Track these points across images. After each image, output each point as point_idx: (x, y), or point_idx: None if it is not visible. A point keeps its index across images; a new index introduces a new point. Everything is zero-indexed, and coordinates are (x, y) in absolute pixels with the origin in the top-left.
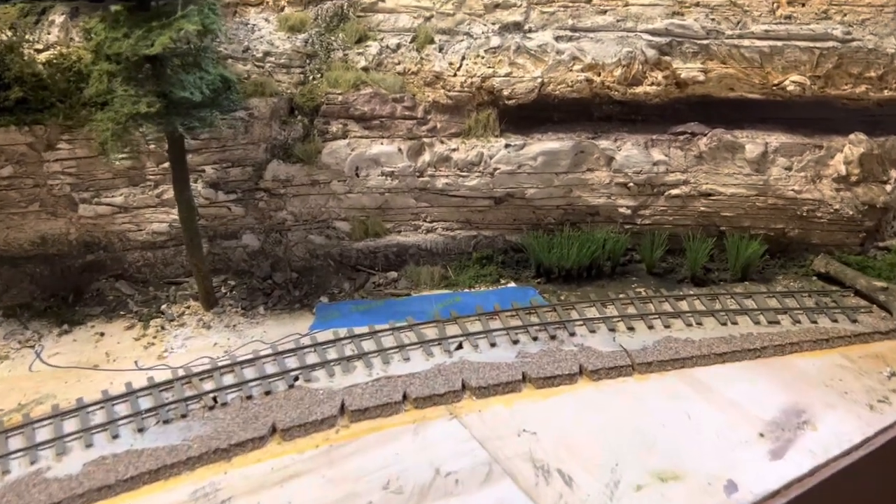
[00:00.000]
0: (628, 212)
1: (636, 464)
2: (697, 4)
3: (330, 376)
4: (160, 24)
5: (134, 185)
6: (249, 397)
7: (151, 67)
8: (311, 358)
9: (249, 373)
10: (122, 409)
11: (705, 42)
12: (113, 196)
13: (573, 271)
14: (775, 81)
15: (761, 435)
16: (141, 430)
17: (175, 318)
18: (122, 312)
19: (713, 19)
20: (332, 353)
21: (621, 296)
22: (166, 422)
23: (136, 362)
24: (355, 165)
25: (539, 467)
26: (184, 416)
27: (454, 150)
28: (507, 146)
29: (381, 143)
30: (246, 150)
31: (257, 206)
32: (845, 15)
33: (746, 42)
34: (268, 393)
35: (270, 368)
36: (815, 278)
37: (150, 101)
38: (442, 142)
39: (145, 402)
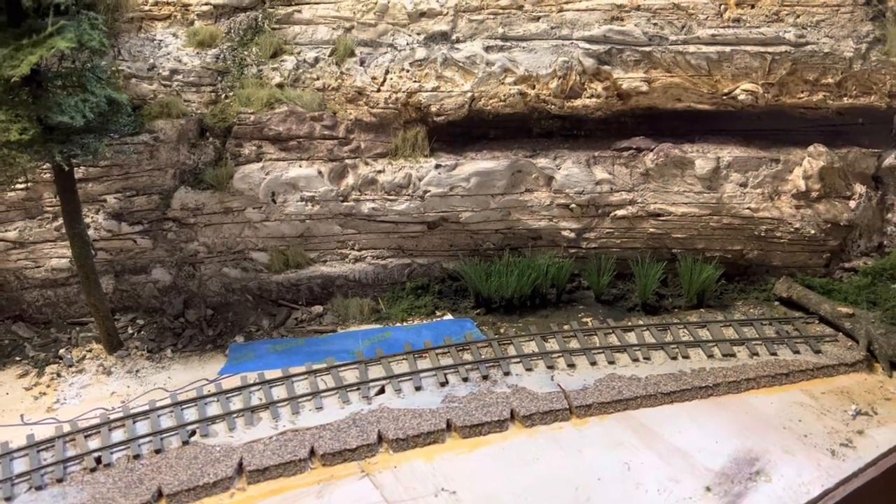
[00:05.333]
0: (572, 235)
1: None
2: (638, 8)
3: (230, 430)
4: (30, 41)
5: (30, 218)
6: (137, 456)
7: (29, 89)
8: (213, 409)
9: (141, 427)
10: None
11: (648, 49)
12: (6, 230)
13: (514, 300)
14: (725, 90)
15: (708, 489)
16: (8, 500)
17: (74, 363)
18: (17, 358)
19: (655, 24)
20: (236, 403)
21: (565, 327)
22: (39, 488)
23: (21, 416)
24: (271, 190)
25: None
26: (60, 480)
27: (380, 171)
28: (437, 167)
29: (300, 166)
30: (151, 177)
31: (166, 238)
32: (798, 16)
33: (692, 48)
34: (158, 451)
35: (166, 422)
36: (777, 304)
37: (22, 127)
38: (366, 163)
39: (19, 465)
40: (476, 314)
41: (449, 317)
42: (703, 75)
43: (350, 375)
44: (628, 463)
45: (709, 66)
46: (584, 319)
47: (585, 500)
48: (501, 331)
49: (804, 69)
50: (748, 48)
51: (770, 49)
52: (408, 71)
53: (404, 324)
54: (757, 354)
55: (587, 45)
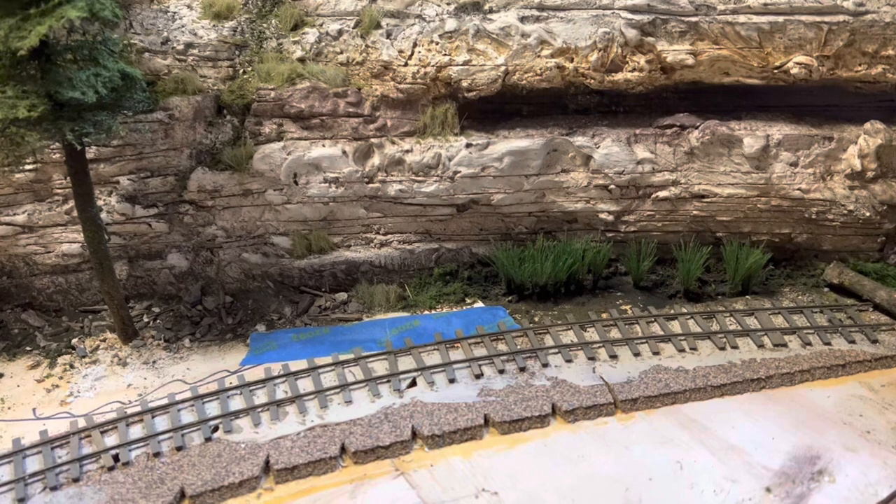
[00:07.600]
0: (610, 218)
1: None
2: None
3: (255, 426)
4: (39, 11)
5: (40, 201)
6: (157, 454)
7: (38, 63)
8: (236, 403)
9: (161, 423)
10: (2, 472)
11: (694, 19)
12: (14, 214)
13: (549, 287)
14: (777, 63)
15: (768, 490)
16: (22, 501)
17: (87, 353)
18: (27, 348)
19: None
20: (260, 397)
21: (604, 316)
22: (54, 488)
23: (34, 410)
24: (293, 171)
25: None
26: (76, 480)
27: (408, 151)
28: (468, 146)
29: (323, 146)
30: (167, 157)
31: (183, 221)
32: None
33: (742, 18)
34: (180, 448)
35: (186, 417)
36: (827, 290)
37: (31, 103)
38: (393, 142)
39: (33, 464)
40: (508, 301)
41: (480, 304)
42: (753, 47)
43: (379, 367)
44: (680, 461)
45: (760, 37)
46: (623, 307)
47: (637, 500)
48: (536, 319)
49: (863, 40)
50: (803, 18)
51: (826, 19)
52: (437, 43)
53: (433, 312)
54: (810, 344)
55: (630, 16)
